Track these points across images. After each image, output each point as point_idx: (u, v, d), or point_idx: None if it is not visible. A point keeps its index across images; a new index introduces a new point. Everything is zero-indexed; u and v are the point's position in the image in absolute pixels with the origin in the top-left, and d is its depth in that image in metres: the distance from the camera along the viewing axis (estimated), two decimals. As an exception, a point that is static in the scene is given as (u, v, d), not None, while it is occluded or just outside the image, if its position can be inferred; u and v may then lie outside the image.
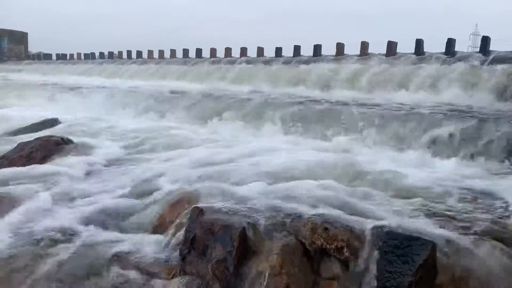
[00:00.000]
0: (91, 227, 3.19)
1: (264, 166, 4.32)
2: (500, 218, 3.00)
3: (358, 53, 12.42)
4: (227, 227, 2.69)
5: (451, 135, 5.15)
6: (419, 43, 11.15)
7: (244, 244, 2.62)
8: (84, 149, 5.26)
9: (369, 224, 2.70)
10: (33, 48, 32.76)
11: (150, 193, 3.66)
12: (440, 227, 2.79)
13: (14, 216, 3.27)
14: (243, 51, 16.15)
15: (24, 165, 4.56)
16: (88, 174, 4.37)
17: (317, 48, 13.65)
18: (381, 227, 2.64)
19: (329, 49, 13.51)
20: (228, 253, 2.59)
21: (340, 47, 13.14)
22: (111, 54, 23.21)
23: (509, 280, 2.41)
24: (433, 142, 5.21)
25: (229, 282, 2.54)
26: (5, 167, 4.60)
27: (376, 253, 2.49)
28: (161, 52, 19.90)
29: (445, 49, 10.58)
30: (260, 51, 15.60)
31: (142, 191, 3.73)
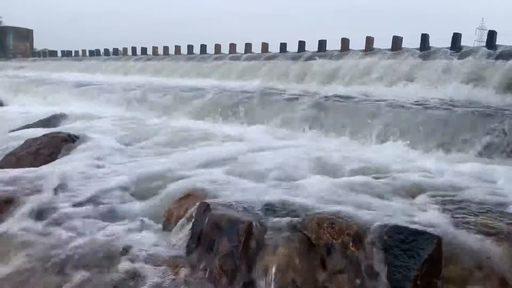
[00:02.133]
0: (99, 221, 3.23)
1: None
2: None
3: (363, 48, 12.37)
4: (233, 222, 2.72)
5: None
6: (424, 38, 11.09)
7: (250, 238, 2.64)
8: (91, 145, 5.30)
9: (375, 218, 2.71)
10: (38, 45, 32.89)
11: (157, 188, 3.70)
12: (447, 220, 2.80)
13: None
14: (248, 47, 16.14)
15: (31, 162, 4.61)
16: (95, 169, 4.40)
17: (322, 44, 13.61)
18: (387, 221, 2.65)
19: (333, 45, 13.46)
20: (234, 247, 2.61)
21: (345, 42, 13.10)
22: (116, 51, 23.26)
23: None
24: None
25: (235, 277, 2.56)
26: (13, 163, 4.65)
27: (382, 248, 2.50)
28: (166, 48, 19.93)
29: (451, 44, 10.52)
30: (265, 47, 15.58)
31: (150, 186, 3.77)
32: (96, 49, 24.35)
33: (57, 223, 3.21)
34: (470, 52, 9.64)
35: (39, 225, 3.15)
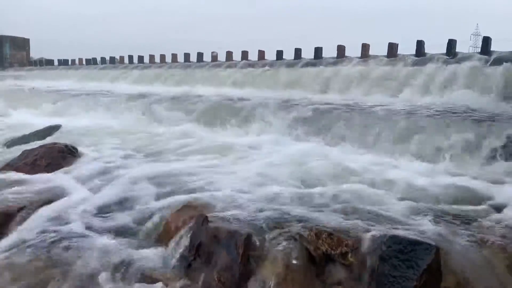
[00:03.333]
0: (96, 234, 3.20)
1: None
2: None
3: (359, 55, 12.43)
4: (232, 234, 2.71)
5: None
6: (420, 44, 11.16)
7: (249, 250, 2.64)
8: (88, 156, 5.29)
9: (373, 229, 2.71)
10: (34, 53, 32.87)
11: (155, 200, 3.69)
12: (444, 229, 2.80)
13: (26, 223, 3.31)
14: (244, 54, 16.18)
15: (28, 173, 4.59)
16: (92, 181, 4.38)
17: (318, 51, 13.66)
18: (385, 232, 2.65)
19: (329, 52, 13.50)
20: (233, 260, 2.60)
21: (341, 49, 13.15)
22: (112, 59, 23.27)
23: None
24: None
25: (234, 289, 2.55)
26: (10, 175, 4.62)
27: (380, 258, 2.50)
28: (162, 57, 19.95)
29: (446, 50, 10.59)
30: (261, 54, 15.62)
31: (147, 199, 3.74)
32: (92, 58, 24.35)
33: (51, 237, 3.20)
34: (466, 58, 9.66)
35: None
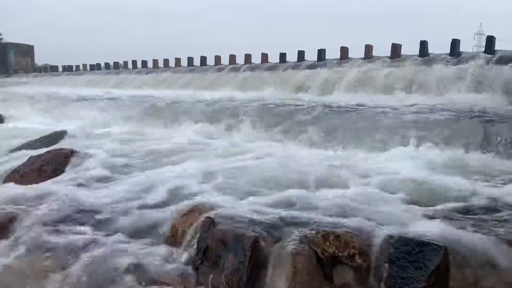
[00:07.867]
0: (104, 238, 3.21)
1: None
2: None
3: (363, 56, 12.44)
4: (239, 237, 2.71)
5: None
6: (423, 45, 11.15)
7: (256, 253, 2.64)
8: (93, 161, 5.31)
9: (380, 230, 2.71)
10: (39, 60, 33.18)
11: (161, 203, 3.70)
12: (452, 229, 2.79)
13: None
14: (248, 58, 16.22)
15: (35, 179, 4.61)
16: (98, 186, 4.40)
17: (321, 53, 13.67)
18: (393, 233, 2.64)
19: (333, 53, 13.52)
20: (241, 263, 2.60)
21: (344, 50, 13.17)
22: (116, 65, 23.42)
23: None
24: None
25: (242, 292, 2.55)
26: (17, 181, 4.66)
27: (388, 260, 2.49)
28: (166, 61, 20.07)
29: (450, 50, 10.58)
30: (264, 57, 15.65)
31: (153, 202, 3.75)
32: (96, 63, 24.52)
33: (58, 238, 3.21)
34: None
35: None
